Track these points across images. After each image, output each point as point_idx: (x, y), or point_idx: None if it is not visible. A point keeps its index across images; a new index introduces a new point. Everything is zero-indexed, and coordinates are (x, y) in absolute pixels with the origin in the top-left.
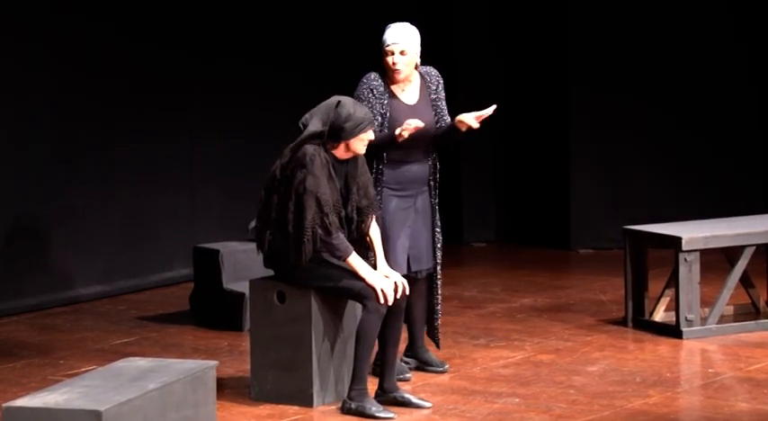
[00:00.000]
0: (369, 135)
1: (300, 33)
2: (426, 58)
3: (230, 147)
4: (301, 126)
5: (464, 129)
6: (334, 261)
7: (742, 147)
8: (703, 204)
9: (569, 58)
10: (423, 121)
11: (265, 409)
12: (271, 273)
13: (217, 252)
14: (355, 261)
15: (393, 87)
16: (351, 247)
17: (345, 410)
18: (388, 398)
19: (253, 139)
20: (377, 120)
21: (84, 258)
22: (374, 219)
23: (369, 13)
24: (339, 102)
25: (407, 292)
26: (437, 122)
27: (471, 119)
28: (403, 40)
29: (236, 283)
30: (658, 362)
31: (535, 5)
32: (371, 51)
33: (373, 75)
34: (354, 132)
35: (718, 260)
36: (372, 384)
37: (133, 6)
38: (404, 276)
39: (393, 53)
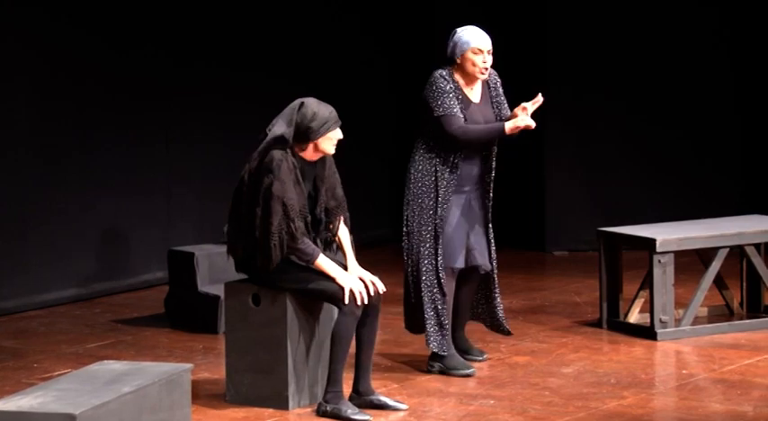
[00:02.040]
0: (337, 134)
1: (278, 37)
2: (409, 60)
3: (206, 150)
4: (268, 132)
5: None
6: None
7: (719, 149)
8: (680, 206)
9: (546, 59)
10: (488, 118)
11: (241, 412)
12: (245, 276)
13: (192, 255)
14: (324, 263)
15: (461, 85)
16: (318, 250)
17: (321, 413)
18: (364, 401)
19: (229, 143)
20: (459, 112)
21: (59, 261)
22: (342, 221)
23: (350, 16)
24: (302, 102)
25: (381, 292)
26: (498, 120)
27: (524, 120)
28: (490, 41)
29: (212, 286)
30: (633, 363)
31: (513, 6)
32: (353, 54)
33: (444, 71)
34: (321, 131)
35: (692, 262)
36: (348, 387)
37: (110, 11)
38: (460, 270)
39: (483, 52)
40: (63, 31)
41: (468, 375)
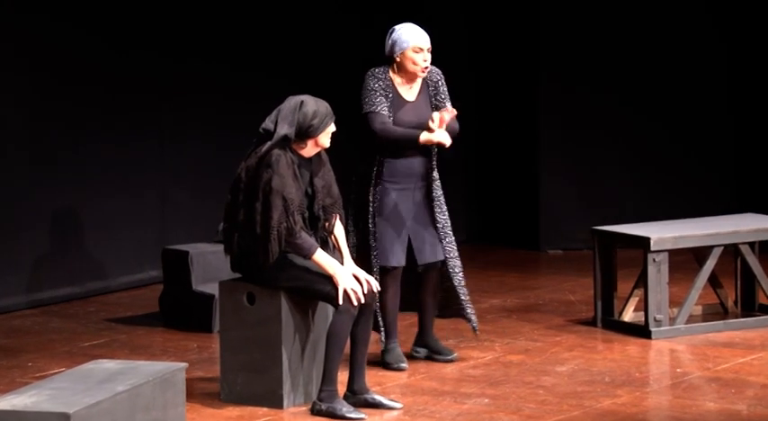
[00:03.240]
0: (333, 128)
1: (275, 36)
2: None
3: (200, 148)
4: (262, 131)
5: (437, 140)
6: (305, 262)
7: (713, 149)
8: (674, 205)
9: (540, 59)
10: (421, 117)
11: (235, 411)
12: (239, 275)
13: (186, 253)
14: (321, 258)
15: (396, 84)
16: (316, 245)
17: (315, 411)
18: (358, 399)
19: (223, 141)
20: (385, 110)
21: (53, 260)
22: (338, 219)
23: (348, 16)
24: (302, 101)
25: (375, 290)
26: None
27: (438, 136)
28: (428, 40)
29: (206, 285)
30: (627, 362)
31: (506, 5)
32: (351, 54)
33: (378, 69)
34: (321, 128)
35: (686, 260)
36: (342, 385)
37: (104, 10)
38: (409, 269)
39: (423, 50)
40: (57, 29)
41: (400, 369)
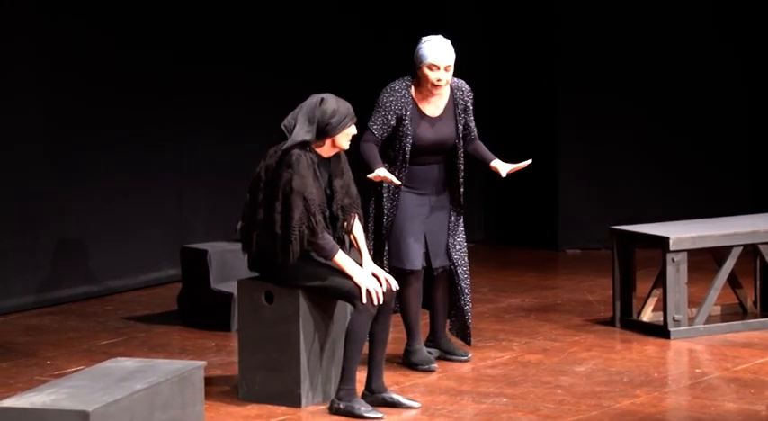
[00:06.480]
0: (353, 130)
1: (289, 36)
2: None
3: (218, 147)
4: (284, 128)
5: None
6: (322, 260)
7: (728, 148)
8: (690, 205)
9: (557, 59)
10: (442, 134)
11: (253, 409)
12: (257, 273)
13: (204, 252)
14: (342, 259)
15: (418, 98)
16: (337, 246)
17: (334, 410)
18: (377, 398)
19: (240, 140)
20: (389, 129)
21: (71, 258)
22: (357, 218)
23: (355, 15)
24: (322, 99)
25: (394, 289)
26: (465, 135)
27: (504, 170)
28: (448, 56)
29: (224, 283)
30: (646, 362)
31: (524, 6)
32: (357, 53)
33: (399, 83)
34: (339, 127)
35: (705, 260)
36: (360, 384)
37: (120, 9)
38: (432, 273)
39: (439, 69)
40: (75, 30)
41: (431, 370)
